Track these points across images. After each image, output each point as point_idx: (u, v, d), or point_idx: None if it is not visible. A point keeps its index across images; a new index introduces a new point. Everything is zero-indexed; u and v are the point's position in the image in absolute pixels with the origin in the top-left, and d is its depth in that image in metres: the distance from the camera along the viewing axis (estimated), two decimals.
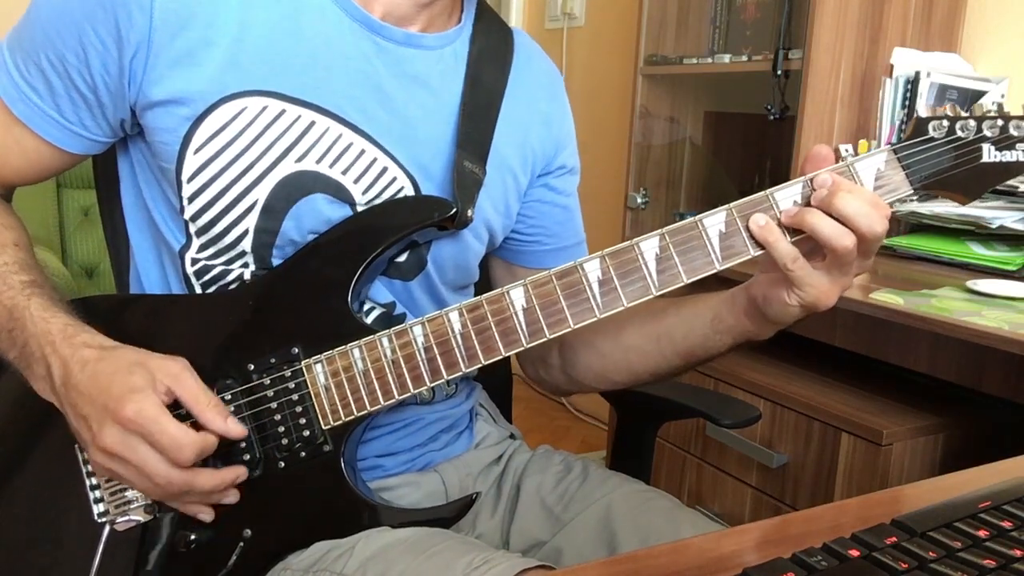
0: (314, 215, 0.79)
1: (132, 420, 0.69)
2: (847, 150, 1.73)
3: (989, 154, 0.71)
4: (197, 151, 0.76)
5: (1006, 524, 0.54)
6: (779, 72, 1.81)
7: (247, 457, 0.77)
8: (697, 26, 2.20)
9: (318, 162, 0.78)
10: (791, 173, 1.75)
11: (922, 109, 1.69)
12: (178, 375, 0.72)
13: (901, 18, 1.77)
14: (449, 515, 0.80)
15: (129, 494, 0.79)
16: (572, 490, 0.92)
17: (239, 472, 0.75)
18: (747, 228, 0.71)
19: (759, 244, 0.71)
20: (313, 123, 0.78)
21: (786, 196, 0.71)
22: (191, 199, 0.78)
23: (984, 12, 1.83)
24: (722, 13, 2.14)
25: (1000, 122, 0.71)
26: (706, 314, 0.83)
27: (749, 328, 0.79)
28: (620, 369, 0.92)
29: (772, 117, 1.89)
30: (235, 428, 0.74)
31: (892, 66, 1.75)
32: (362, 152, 0.80)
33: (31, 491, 0.82)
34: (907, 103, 1.71)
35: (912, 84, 1.70)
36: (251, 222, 0.78)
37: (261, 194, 0.78)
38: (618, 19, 2.73)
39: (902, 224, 1.69)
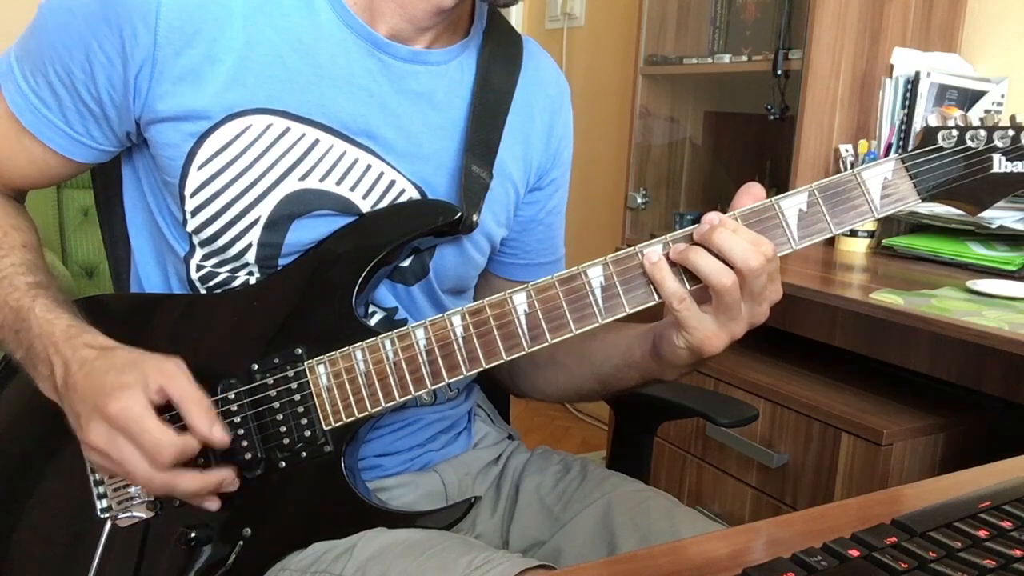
0: (317, 231, 0.79)
1: (116, 417, 0.69)
2: (847, 150, 1.73)
3: (1000, 164, 0.70)
4: (201, 167, 0.77)
5: (1006, 524, 0.54)
6: (779, 72, 1.81)
7: (248, 456, 0.77)
8: (697, 26, 2.20)
9: (322, 180, 0.79)
10: (791, 173, 1.75)
11: (922, 109, 1.69)
12: (172, 374, 0.72)
13: (901, 18, 1.77)
14: (448, 519, 0.80)
15: (132, 490, 0.79)
16: (571, 490, 0.92)
17: (224, 476, 0.74)
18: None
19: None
20: (317, 141, 0.78)
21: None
22: (194, 213, 0.78)
23: (984, 12, 1.83)
24: (722, 13, 2.14)
25: (1011, 132, 0.70)
26: (622, 344, 0.84)
27: (653, 366, 0.80)
28: (549, 382, 0.94)
29: (772, 117, 1.89)
30: (218, 435, 0.72)
31: (892, 66, 1.75)
32: (368, 167, 0.80)
33: (36, 486, 0.83)
34: (907, 103, 1.71)
35: (912, 84, 1.70)
36: (254, 236, 0.79)
37: (264, 211, 0.78)
38: (618, 19, 2.73)
39: (902, 224, 1.69)
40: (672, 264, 0.70)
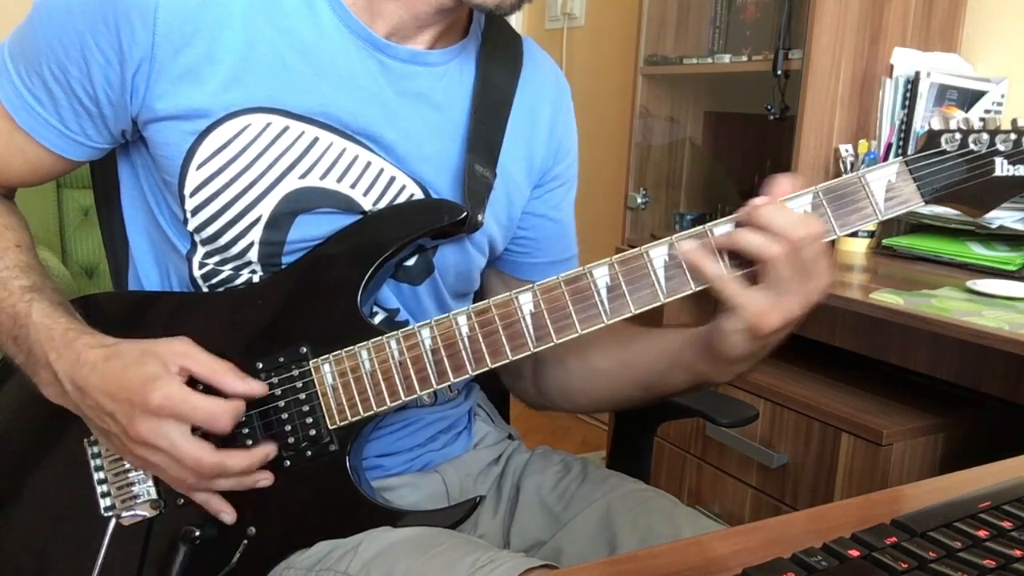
0: (319, 228, 0.79)
1: (162, 406, 0.70)
2: (847, 150, 1.74)
3: (1002, 168, 0.71)
4: (200, 166, 0.77)
5: (1006, 524, 0.55)
6: (779, 72, 1.81)
7: None
8: (697, 26, 2.21)
9: (322, 178, 0.79)
10: (791, 173, 1.75)
11: (922, 109, 1.69)
12: (187, 352, 0.73)
13: (901, 18, 1.77)
14: (452, 518, 0.81)
15: (136, 488, 0.79)
16: (572, 490, 0.92)
17: (268, 450, 0.76)
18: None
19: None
20: (317, 139, 0.78)
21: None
22: (194, 212, 0.78)
23: (984, 12, 1.83)
24: (722, 13, 2.14)
25: (1013, 136, 0.71)
26: (670, 348, 0.84)
27: (705, 368, 0.80)
28: (584, 390, 0.94)
29: (772, 117, 1.89)
30: (257, 387, 0.74)
31: (892, 66, 1.75)
32: (368, 164, 0.80)
33: (38, 485, 0.83)
34: (907, 103, 1.71)
35: (912, 84, 1.70)
36: (256, 235, 0.79)
37: (265, 210, 0.78)
38: (618, 19, 2.73)
39: (902, 224, 1.69)
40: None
